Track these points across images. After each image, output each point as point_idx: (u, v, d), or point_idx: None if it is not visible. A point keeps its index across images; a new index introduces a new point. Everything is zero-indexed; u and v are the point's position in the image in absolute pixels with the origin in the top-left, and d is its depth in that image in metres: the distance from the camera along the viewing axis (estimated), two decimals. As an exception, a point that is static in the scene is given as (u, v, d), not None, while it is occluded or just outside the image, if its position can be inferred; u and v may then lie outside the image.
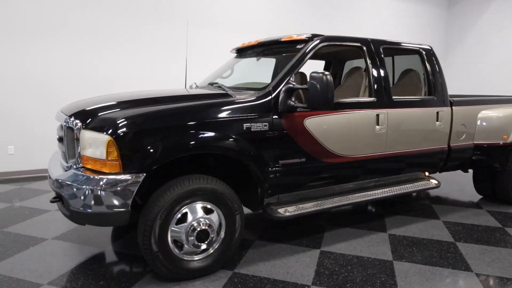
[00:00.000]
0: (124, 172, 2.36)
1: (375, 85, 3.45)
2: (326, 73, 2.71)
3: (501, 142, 4.24)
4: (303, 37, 3.24)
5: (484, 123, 4.22)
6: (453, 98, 4.06)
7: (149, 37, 6.52)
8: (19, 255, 3.08)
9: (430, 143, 3.85)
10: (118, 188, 2.34)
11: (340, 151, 3.22)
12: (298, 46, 3.23)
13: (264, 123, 2.79)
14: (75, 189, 2.39)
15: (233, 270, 2.86)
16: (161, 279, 2.68)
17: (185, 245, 2.59)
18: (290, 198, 3.21)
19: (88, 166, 2.46)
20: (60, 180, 2.50)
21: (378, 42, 3.59)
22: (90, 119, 2.50)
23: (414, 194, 5.13)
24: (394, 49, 3.89)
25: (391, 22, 9.81)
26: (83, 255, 3.11)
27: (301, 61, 3.07)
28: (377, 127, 3.40)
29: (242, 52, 4.06)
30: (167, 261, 2.55)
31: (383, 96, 3.47)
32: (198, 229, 2.59)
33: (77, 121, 2.52)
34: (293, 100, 2.92)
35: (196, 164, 2.95)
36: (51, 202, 2.65)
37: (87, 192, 2.34)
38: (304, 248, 3.28)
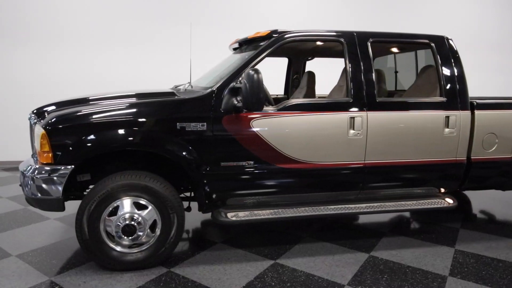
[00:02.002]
0: (55, 163, 2.59)
1: (352, 84, 3.03)
2: (257, 71, 2.52)
3: (556, 158, 3.28)
4: (264, 33, 3.05)
5: (528, 133, 3.32)
6: (477, 101, 3.30)
7: (161, 38, 6.76)
8: (19, 229, 3.65)
9: (435, 155, 3.21)
10: (50, 178, 2.58)
11: (300, 156, 2.94)
12: (261, 44, 3.06)
13: (201, 123, 2.73)
14: (23, 177, 2.73)
15: (170, 268, 2.87)
16: (98, 267, 2.85)
17: (116, 237, 2.71)
18: (248, 202, 3.07)
19: (38, 157, 2.77)
20: (19, 169, 2.88)
21: (365, 35, 3.15)
22: (42, 115, 2.81)
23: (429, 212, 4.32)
24: (390, 42, 3.35)
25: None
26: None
27: (253, 60, 2.90)
28: (352, 131, 2.99)
29: (237, 49, 4.00)
30: (99, 250, 2.70)
31: (361, 97, 3.03)
32: (125, 223, 2.68)
33: (34, 116, 2.87)
34: (239, 100, 2.78)
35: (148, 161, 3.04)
36: (20, 186, 3.06)
37: (29, 180, 2.65)
38: (260, 257, 3.08)
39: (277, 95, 4.80)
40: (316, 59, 4.81)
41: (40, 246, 3.25)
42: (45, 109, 2.95)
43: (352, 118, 2.98)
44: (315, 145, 2.95)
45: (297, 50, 4.39)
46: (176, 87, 3.57)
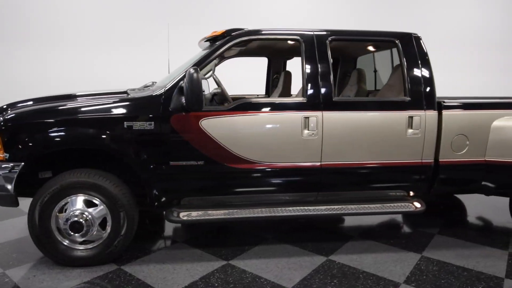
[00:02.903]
0: (6, 160, 2.67)
1: (307, 84, 2.96)
2: (196, 70, 2.51)
3: (532, 162, 3.08)
4: (219, 32, 3.03)
5: (502, 135, 3.13)
6: (445, 100, 3.14)
7: (162, 39, 6.80)
8: None
9: (398, 156, 3.08)
10: (1, 174, 2.67)
11: (253, 157, 2.90)
12: (217, 43, 3.04)
13: (148, 122, 2.74)
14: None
15: (120, 266, 2.90)
16: (52, 263, 2.91)
17: (65, 234, 2.77)
18: (204, 202, 3.06)
19: None
20: None
21: (324, 35, 3.06)
22: (2, 113, 2.91)
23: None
24: (352, 40, 3.25)
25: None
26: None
27: (205, 60, 2.89)
28: (306, 131, 2.92)
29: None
30: (50, 245, 2.77)
31: (317, 97, 2.95)
32: (73, 220, 2.73)
33: None
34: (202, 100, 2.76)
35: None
36: None
37: (-13, 176, 2.75)
38: (215, 258, 3.06)
39: (257, 95, 4.77)
40: (296, 59, 4.73)
41: (7, 240, 3.36)
42: (6, 107, 3.06)
43: (307, 118, 2.91)
44: (268, 146, 2.90)
45: (275, 50, 4.34)
46: (145, 86, 3.61)
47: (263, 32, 3.03)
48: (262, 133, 2.88)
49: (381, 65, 4.24)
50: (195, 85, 2.51)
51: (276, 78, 4.63)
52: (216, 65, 4.34)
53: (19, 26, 6.81)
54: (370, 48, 3.94)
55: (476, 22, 8.26)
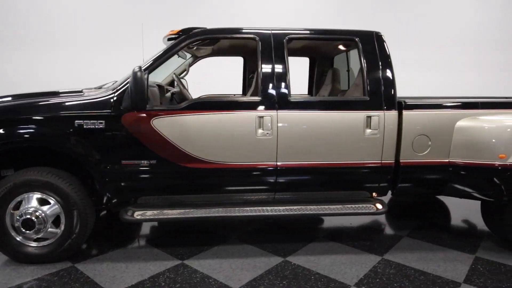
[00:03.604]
0: None
1: (262, 83, 2.93)
2: (140, 69, 2.50)
3: (496, 163, 2.98)
4: (175, 31, 3.03)
5: (467, 135, 3.04)
6: (406, 100, 3.07)
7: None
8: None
9: (356, 157, 3.03)
10: (-42, 171, 2.72)
11: (207, 156, 2.89)
12: (173, 42, 3.03)
13: (99, 121, 2.75)
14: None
15: (74, 263, 2.92)
16: (9, 259, 2.94)
17: (18, 231, 2.80)
18: (161, 201, 3.06)
19: None
20: None
21: (282, 33, 3.03)
22: None
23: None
24: (311, 39, 3.20)
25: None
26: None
27: (159, 59, 2.88)
28: (260, 131, 2.89)
29: None
30: (5, 242, 2.81)
31: (272, 96, 2.92)
32: (25, 217, 2.76)
33: None
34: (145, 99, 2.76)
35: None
36: None
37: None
38: (171, 257, 3.06)
39: (234, 95, 4.75)
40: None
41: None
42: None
43: (261, 117, 2.88)
44: (222, 145, 2.88)
45: (249, 49, 4.31)
46: (102, 85, 3.63)
47: (218, 30, 3.02)
48: (216, 133, 2.86)
49: (356, 64, 4.17)
50: (138, 84, 2.50)
51: (252, 77, 4.60)
52: (190, 65, 4.38)
53: (16, 29, 6.95)
54: (341, 47, 3.88)
55: (475, 21, 8.11)
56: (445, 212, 4.45)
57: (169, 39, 3.23)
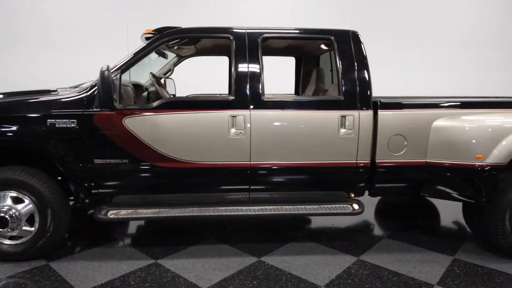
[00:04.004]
0: None
1: (235, 82, 2.92)
2: (108, 68, 2.51)
3: (473, 164, 2.94)
4: (149, 30, 3.03)
5: (443, 135, 3.01)
6: (381, 100, 3.04)
7: None
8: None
9: (331, 157, 3.01)
10: None
11: (180, 155, 2.89)
12: (148, 41, 3.04)
13: (71, 120, 2.77)
14: None
15: (49, 262, 2.94)
16: None
17: (-8, 228, 2.82)
18: (136, 200, 3.07)
19: None
20: None
21: (257, 32, 3.02)
22: None
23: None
24: (286, 38, 3.19)
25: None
26: None
27: (132, 58, 2.89)
28: (233, 130, 2.88)
29: None
30: (-20, 238, 2.84)
31: (245, 95, 2.91)
32: (-3, 215, 2.78)
33: None
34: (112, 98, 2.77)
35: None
36: None
37: None
38: (145, 256, 3.07)
39: (220, 94, 4.74)
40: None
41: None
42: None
43: (234, 117, 2.87)
44: (195, 144, 2.88)
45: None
46: (78, 85, 3.64)
47: (192, 30, 3.02)
48: (188, 132, 2.86)
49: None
50: (105, 83, 2.51)
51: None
52: (175, 64, 4.39)
53: (12, 29, 7.02)
54: (324, 46, 3.86)
55: (473, 20, 8.05)
56: (433, 213, 4.40)
57: (146, 38, 3.24)
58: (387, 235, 3.61)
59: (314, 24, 7.66)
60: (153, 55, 3.79)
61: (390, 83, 8.00)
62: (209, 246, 3.30)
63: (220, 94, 4.76)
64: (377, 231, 3.74)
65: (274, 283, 2.68)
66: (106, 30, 7.01)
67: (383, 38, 7.73)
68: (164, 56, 3.75)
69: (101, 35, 7.05)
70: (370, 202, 4.45)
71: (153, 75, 3.38)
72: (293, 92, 4.85)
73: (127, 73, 3.40)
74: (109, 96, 2.53)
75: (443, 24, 8.01)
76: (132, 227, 3.78)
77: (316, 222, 3.95)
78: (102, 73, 2.51)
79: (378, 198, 4.71)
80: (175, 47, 3.76)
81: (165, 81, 4.42)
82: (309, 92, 4.15)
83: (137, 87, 3.40)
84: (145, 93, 3.45)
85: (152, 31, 3.01)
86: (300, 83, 4.66)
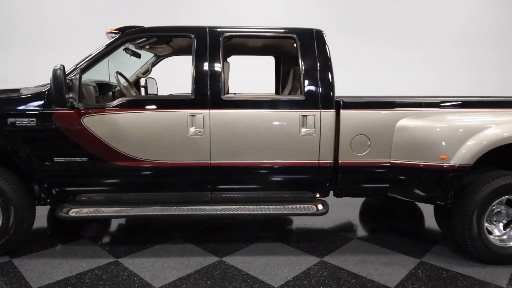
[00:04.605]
0: None
1: (195, 81, 2.92)
2: (60, 67, 2.53)
3: (438, 165, 2.87)
4: (112, 30, 3.05)
5: (407, 135, 2.95)
6: (343, 99, 3.00)
7: None
8: None
9: (292, 156, 2.97)
10: None
11: (139, 154, 2.89)
12: (111, 41, 3.05)
13: (31, 119, 2.80)
14: None
15: (12, 258, 2.98)
16: None
17: (-44, 226, 2.87)
18: (100, 199, 3.09)
19: None
20: None
21: (219, 31, 3.01)
22: None
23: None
24: (249, 37, 3.16)
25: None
26: None
27: (93, 58, 2.90)
28: (192, 130, 2.88)
29: None
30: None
31: (204, 94, 2.90)
32: (-41, 212, 2.83)
33: None
34: (71, 97, 2.79)
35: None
36: None
37: None
38: (107, 255, 3.09)
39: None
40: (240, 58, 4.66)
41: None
42: None
43: (193, 116, 2.87)
44: (154, 144, 2.88)
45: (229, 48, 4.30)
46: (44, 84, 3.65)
47: (154, 29, 3.02)
48: (147, 131, 2.86)
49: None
50: (57, 82, 2.53)
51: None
52: (153, 64, 4.40)
53: (7, 30, 7.13)
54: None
55: (470, 20, 7.92)
56: (415, 216, 4.31)
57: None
58: (358, 237, 3.56)
59: (313, 24, 7.65)
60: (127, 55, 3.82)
61: (389, 83, 7.96)
62: (174, 245, 3.30)
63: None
64: (350, 232, 3.69)
65: (228, 283, 2.66)
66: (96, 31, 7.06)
67: (383, 38, 7.71)
68: (136, 55, 3.76)
69: (92, 35, 7.10)
70: (353, 203, 4.43)
71: (120, 74, 3.39)
72: (274, 92, 4.82)
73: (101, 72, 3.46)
74: (61, 95, 2.55)
75: (443, 24, 7.91)
76: (103, 226, 3.81)
77: (288, 223, 3.92)
78: (54, 72, 2.53)
79: (363, 199, 4.64)
80: (147, 47, 3.77)
81: (146, 80, 4.45)
82: (286, 92, 4.12)
83: (106, 86, 3.42)
84: (110, 93, 3.46)
85: (115, 30, 3.02)
86: (280, 83, 4.62)
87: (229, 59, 4.61)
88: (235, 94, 4.40)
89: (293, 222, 3.93)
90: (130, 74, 4.36)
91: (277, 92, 4.77)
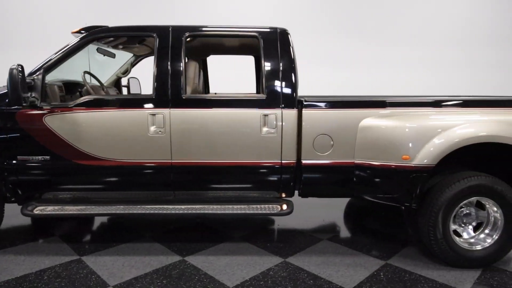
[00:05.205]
0: None
1: (156, 80, 2.92)
2: (17, 67, 2.56)
3: (400, 165, 2.82)
4: (76, 30, 3.07)
5: (370, 135, 2.90)
6: (306, 99, 2.97)
7: None
8: None
9: (254, 156, 2.96)
10: None
11: (99, 153, 2.91)
12: (74, 41, 3.08)
13: (-6, 118, 2.84)
14: None
15: (-23, 255, 3.03)
16: None
17: None
18: (65, 197, 3.12)
19: None
20: None
21: (181, 30, 3.01)
22: None
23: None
24: (212, 36, 3.15)
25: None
26: None
27: (57, 57, 2.93)
28: (152, 129, 2.88)
29: None
30: None
31: (165, 94, 2.90)
32: None
33: None
34: (33, 96, 2.83)
35: None
36: None
37: None
38: (71, 252, 3.11)
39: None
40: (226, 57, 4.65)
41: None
42: None
43: (153, 115, 2.88)
44: (115, 143, 2.90)
45: (188, 48, 4.31)
46: None
47: (117, 29, 3.04)
48: (108, 130, 2.88)
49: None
50: (13, 82, 2.56)
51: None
52: (132, 64, 4.43)
53: (2, 30, 7.27)
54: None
55: (467, 19, 7.80)
56: (398, 217, 4.23)
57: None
58: (328, 238, 3.52)
59: (312, 24, 7.62)
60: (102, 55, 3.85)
61: (389, 83, 7.88)
62: (141, 244, 3.31)
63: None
64: (322, 233, 3.65)
65: (183, 282, 2.66)
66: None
67: (383, 37, 7.65)
68: (111, 55, 3.79)
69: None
70: (332, 204, 4.39)
71: (90, 74, 3.42)
72: (255, 91, 4.81)
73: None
74: (17, 95, 2.58)
75: (443, 24, 7.82)
76: (75, 224, 3.84)
77: (261, 223, 3.90)
78: (10, 71, 2.56)
79: (345, 200, 4.59)
80: (121, 46, 3.80)
81: (128, 80, 4.49)
82: (264, 91, 4.09)
83: (78, 86, 3.46)
84: (78, 93, 3.49)
85: (80, 30, 3.05)
86: (260, 82, 4.60)
87: (214, 59, 4.66)
88: (215, 93, 4.42)
89: (266, 222, 3.91)
90: (110, 74, 4.43)
91: (257, 92, 4.75)
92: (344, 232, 3.73)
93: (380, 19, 7.78)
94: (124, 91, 4.56)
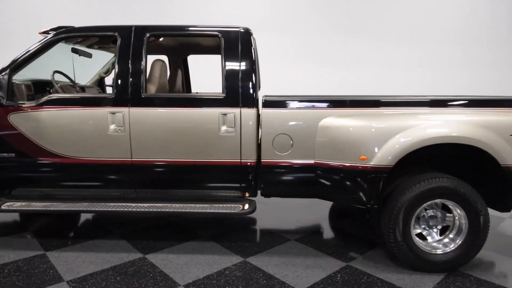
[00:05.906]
0: None
1: (116, 79, 2.96)
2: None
3: (357, 165, 2.78)
4: (44, 30, 3.14)
5: (329, 135, 2.86)
6: (267, 98, 2.95)
7: None
8: None
9: (214, 155, 2.96)
10: None
11: (61, 151, 2.98)
12: (43, 40, 3.15)
13: (-38, 116, 2.94)
14: None
15: None
16: None
17: None
18: (33, 194, 3.20)
19: None
20: None
21: (143, 29, 3.04)
22: None
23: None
24: (174, 36, 3.17)
25: None
26: None
27: (24, 57, 3.00)
28: (112, 127, 2.92)
29: None
30: None
31: (125, 92, 2.94)
32: None
33: None
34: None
35: None
36: None
37: None
38: (38, 247, 3.19)
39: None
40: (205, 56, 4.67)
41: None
42: None
43: (113, 113, 2.92)
44: (75, 140, 2.95)
45: (171, 48, 4.35)
46: None
47: (82, 29, 3.09)
48: (68, 128, 2.94)
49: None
50: (-29, 81, 2.64)
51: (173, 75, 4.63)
52: (114, 64, 4.49)
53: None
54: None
55: (464, 18, 7.63)
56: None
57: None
58: (296, 238, 3.49)
59: (311, 23, 7.57)
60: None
61: (389, 82, 7.77)
62: (108, 241, 3.36)
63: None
64: (291, 233, 3.62)
65: (137, 279, 2.69)
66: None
67: (382, 37, 7.57)
68: (87, 55, 3.85)
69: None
70: (312, 204, 4.35)
71: (61, 73, 3.49)
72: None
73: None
74: None
75: (443, 24, 7.67)
76: (50, 220, 3.92)
77: (232, 222, 3.90)
78: (-31, 71, 2.65)
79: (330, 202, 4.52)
80: (96, 47, 3.86)
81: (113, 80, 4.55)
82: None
83: (48, 85, 3.53)
84: (47, 92, 3.56)
85: (48, 30, 3.12)
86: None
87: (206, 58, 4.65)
88: (197, 93, 4.45)
89: (237, 221, 3.91)
90: (92, 75, 4.51)
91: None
92: (316, 234, 3.69)
93: (380, 19, 7.69)
94: (109, 90, 4.62)
